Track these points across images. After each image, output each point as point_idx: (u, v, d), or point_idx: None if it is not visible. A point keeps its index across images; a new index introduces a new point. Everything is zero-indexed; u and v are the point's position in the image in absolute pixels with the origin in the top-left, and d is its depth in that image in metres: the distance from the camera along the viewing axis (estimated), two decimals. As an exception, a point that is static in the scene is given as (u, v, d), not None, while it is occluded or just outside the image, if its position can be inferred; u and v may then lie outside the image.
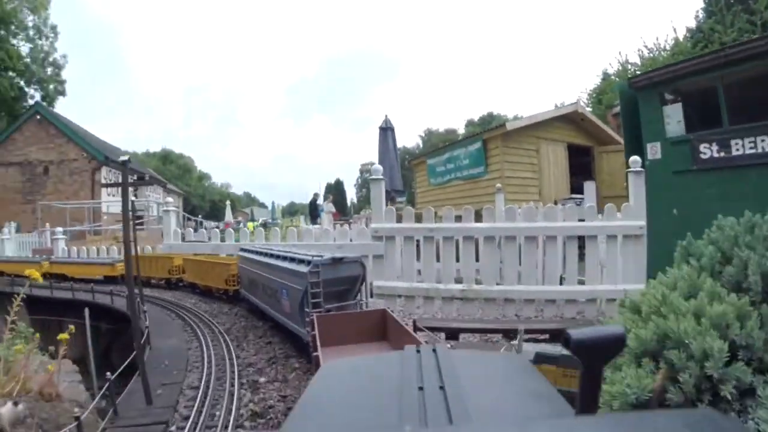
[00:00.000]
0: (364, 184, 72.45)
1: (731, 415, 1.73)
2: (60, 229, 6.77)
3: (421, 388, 0.72)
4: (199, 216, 32.42)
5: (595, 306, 6.32)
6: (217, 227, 19.15)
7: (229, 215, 28.39)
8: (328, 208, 15.53)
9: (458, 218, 6.41)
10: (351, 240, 6.58)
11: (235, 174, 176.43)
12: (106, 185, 17.19)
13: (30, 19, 30.69)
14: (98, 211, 16.95)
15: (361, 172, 72.94)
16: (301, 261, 4.06)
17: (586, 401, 0.60)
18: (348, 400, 0.77)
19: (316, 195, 17.93)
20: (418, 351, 0.90)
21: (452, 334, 4.56)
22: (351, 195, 62.52)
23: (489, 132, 14.08)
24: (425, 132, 65.80)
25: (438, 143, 19.33)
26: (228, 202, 31.99)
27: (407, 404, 0.67)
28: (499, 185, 10.64)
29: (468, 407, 0.65)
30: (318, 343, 2.02)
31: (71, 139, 17.93)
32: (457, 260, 6.72)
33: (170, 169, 59.12)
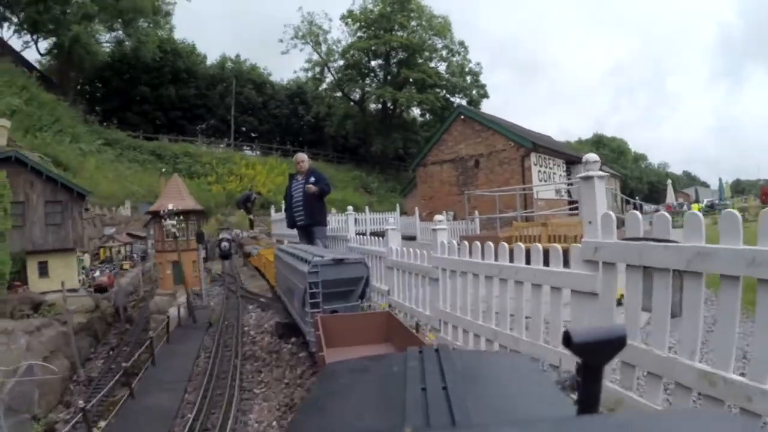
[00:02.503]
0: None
1: (742, 416, 1.70)
2: (440, 217, 4.79)
3: (423, 389, 0.73)
4: (636, 198, 30.75)
5: None
6: (657, 210, 18.03)
7: (670, 196, 25.72)
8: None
9: None
10: None
11: (671, 152, 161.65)
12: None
13: (439, 43, 37.99)
14: (530, 196, 17.32)
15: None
16: (304, 260, 4.08)
17: (587, 401, 0.60)
18: (351, 401, 0.78)
19: (781, 167, 13.89)
20: (421, 351, 0.91)
21: None
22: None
23: None
24: None
25: None
26: (669, 182, 28.88)
27: (410, 405, 0.67)
28: None
29: (470, 408, 0.66)
30: (323, 344, 2.03)
31: (496, 131, 19.35)
32: None
33: (604, 153, 57.78)
